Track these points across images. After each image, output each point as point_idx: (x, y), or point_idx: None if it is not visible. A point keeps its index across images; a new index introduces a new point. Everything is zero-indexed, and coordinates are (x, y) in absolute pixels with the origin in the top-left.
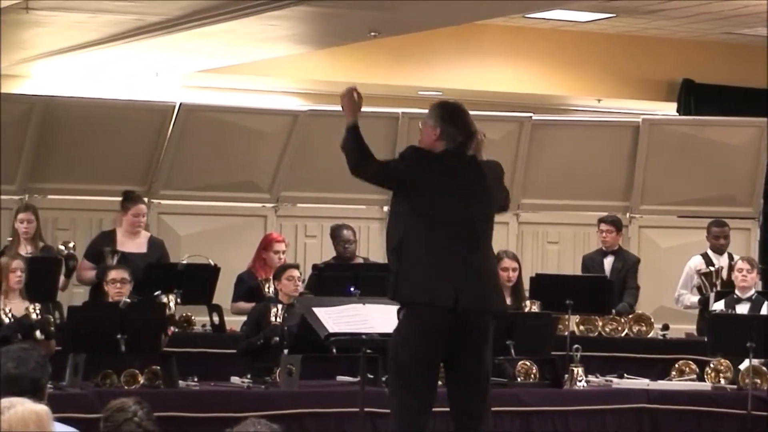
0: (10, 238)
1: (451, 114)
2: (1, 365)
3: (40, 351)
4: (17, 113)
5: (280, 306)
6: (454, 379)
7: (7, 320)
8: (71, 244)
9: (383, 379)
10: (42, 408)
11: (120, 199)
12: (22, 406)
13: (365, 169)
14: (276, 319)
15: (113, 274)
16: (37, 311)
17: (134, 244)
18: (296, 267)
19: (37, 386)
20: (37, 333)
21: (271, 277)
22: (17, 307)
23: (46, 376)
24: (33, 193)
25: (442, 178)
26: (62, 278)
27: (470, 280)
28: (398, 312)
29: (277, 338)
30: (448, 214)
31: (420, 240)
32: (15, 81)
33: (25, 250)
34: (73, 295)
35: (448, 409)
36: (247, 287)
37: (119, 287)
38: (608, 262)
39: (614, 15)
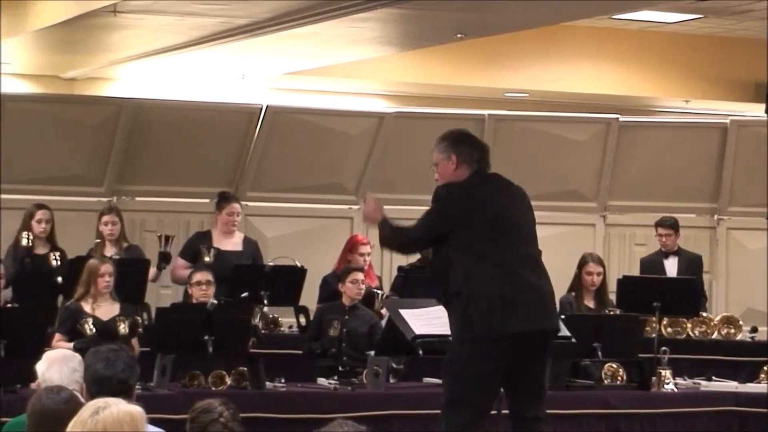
0: (98, 240)
1: (457, 137)
2: (91, 366)
3: (129, 352)
4: (105, 116)
5: (337, 320)
6: (516, 390)
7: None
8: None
9: None
10: (137, 409)
11: (207, 200)
12: (116, 407)
13: (410, 244)
14: (334, 332)
15: (198, 276)
16: (126, 315)
17: (230, 243)
18: (361, 270)
19: (125, 387)
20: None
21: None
22: (107, 309)
23: (135, 377)
24: (121, 195)
25: (484, 203)
26: (152, 270)
27: (536, 302)
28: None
29: (334, 350)
30: (502, 237)
31: (487, 272)
32: (103, 84)
33: (111, 251)
34: (161, 296)
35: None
36: (332, 289)
37: (204, 289)
38: (670, 263)
39: (702, 16)
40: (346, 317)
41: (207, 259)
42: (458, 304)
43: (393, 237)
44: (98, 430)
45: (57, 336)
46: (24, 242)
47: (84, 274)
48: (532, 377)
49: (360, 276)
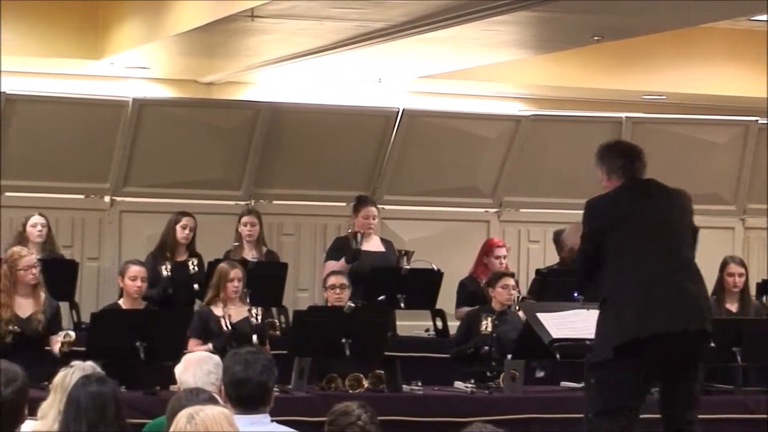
0: (236, 243)
1: (603, 149)
2: (229, 368)
3: (268, 355)
4: (243, 119)
5: (490, 318)
6: (668, 395)
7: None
8: None
9: None
10: (226, 410)
11: (344, 204)
12: (210, 409)
13: (578, 270)
14: (486, 329)
15: (332, 280)
16: (258, 316)
17: (371, 245)
18: (511, 275)
19: (263, 389)
20: (254, 337)
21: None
22: (238, 312)
23: (273, 380)
24: (259, 198)
25: (629, 209)
26: None
27: (682, 304)
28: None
29: (487, 347)
30: (649, 242)
31: (631, 277)
32: (241, 88)
33: (250, 254)
34: (298, 299)
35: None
36: (469, 292)
37: (338, 293)
38: None
39: None
40: (496, 322)
41: (350, 262)
42: (604, 309)
43: (579, 274)
44: (200, 431)
45: (192, 341)
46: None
47: (214, 277)
48: (683, 381)
49: (511, 281)
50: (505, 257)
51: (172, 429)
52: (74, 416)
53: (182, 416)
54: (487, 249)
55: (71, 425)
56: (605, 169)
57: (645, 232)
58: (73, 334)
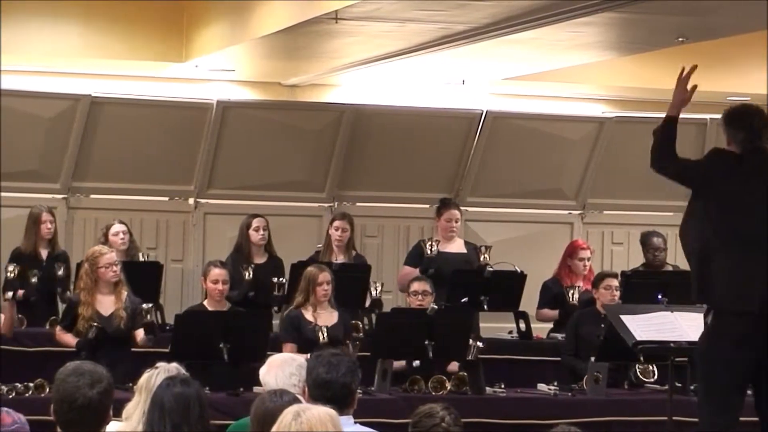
0: (319, 246)
1: (730, 116)
2: (313, 370)
3: (352, 357)
4: (327, 122)
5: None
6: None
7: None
8: None
9: (691, 387)
10: (332, 411)
11: (426, 206)
12: (316, 409)
13: (666, 167)
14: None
15: (415, 286)
16: (346, 322)
17: (452, 248)
18: (615, 276)
19: (347, 391)
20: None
21: (576, 285)
22: (326, 316)
23: (356, 382)
24: (342, 200)
25: (741, 181)
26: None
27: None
28: (705, 315)
29: None
30: (749, 217)
31: (723, 244)
32: (325, 90)
33: (337, 257)
34: (381, 301)
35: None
36: (553, 294)
37: (421, 299)
38: None
39: None
40: (602, 325)
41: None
42: (695, 262)
43: (663, 148)
44: (305, 430)
45: (287, 346)
46: (244, 252)
47: (302, 281)
48: None
49: (614, 282)
50: (588, 259)
51: (276, 425)
52: (159, 417)
53: (288, 413)
54: (571, 251)
55: (155, 426)
56: (727, 137)
57: (752, 204)
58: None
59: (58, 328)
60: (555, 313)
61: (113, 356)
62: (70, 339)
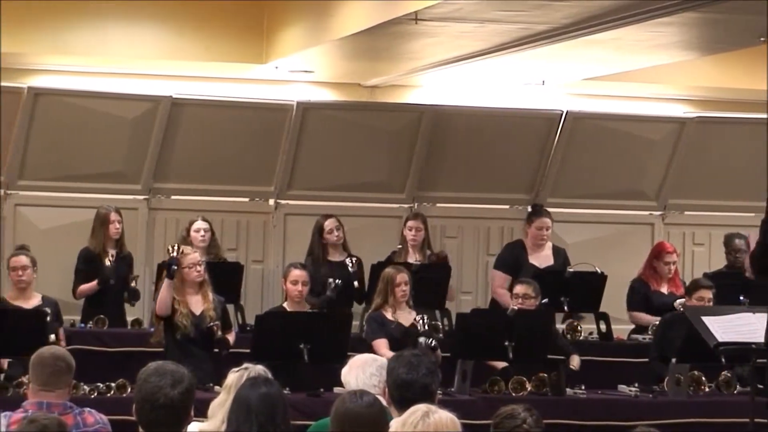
0: (400, 246)
1: None
2: (394, 371)
3: (432, 358)
4: (406, 122)
5: None
6: None
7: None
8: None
9: None
10: (455, 418)
11: (506, 207)
12: (443, 412)
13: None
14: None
15: (516, 289)
16: (425, 321)
17: (540, 257)
18: (710, 288)
19: (427, 392)
20: (421, 340)
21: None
22: (407, 317)
23: (437, 382)
24: (422, 201)
25: None
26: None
27: None
28: None
29: None
30: None
31: None
32: (404, 91)
33: (414, 257)
34: (461, 302)
35: None
36: (642, 295)
37: (521, 302)
38: None
39: None
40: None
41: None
42: None
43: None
44: (430, 431)
45: (378, 342)
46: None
47: (381, 283)
48: None
49: (708, 294)
50: (674, 263)
51: (401, 422)
52: (245, 418)
53: (417, 412)
54: (657, 253)
55: (242, 426)
56: None
57: None
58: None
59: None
60: (652, 318)
61: (199, 356)
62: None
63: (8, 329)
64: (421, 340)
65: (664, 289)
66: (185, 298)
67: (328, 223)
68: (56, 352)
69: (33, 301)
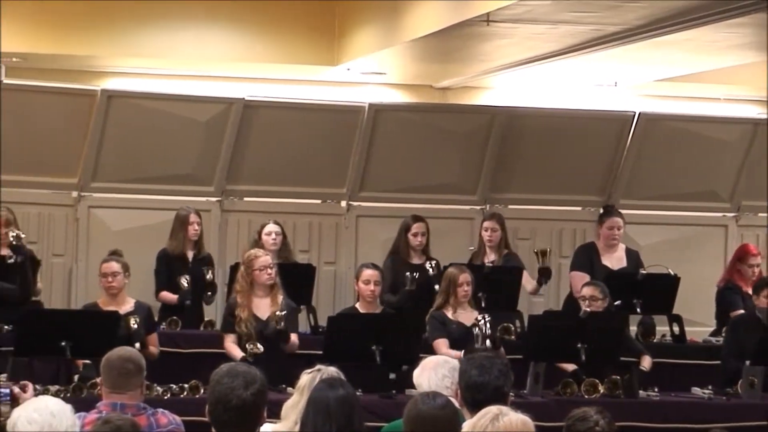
0: (471, 248)
1: None
2: (466, 372)
3: (503, 359)
4: (478, 124)
5: None
6: None
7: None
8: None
9: None
10: (528, 419)
11: (579, 209)
12: (514, 414)
13: None
14: None
15: (584, 291)
16: (486, 322)
17: (613, 259)
18: None
19: (499, 394)
20: (488, 342)
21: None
22: (467, 317)
23: (509, 384)
24: (494, 202)
25: None
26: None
27: None
28: None
29: None
30: None
31: None
32: (476, 92)
33: (490, 258)
34: (533, 304)
35: None
36: (739, 299)
37: (588, 304)
38: None
39: None
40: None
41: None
42: None
43: None
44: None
45: (439, 341)
46: (402, 254)
47: (443, 282)
48: None
49: None
50: (758, 266)
51: (471, 423)
52: (324, 419)
53: (488, 414)
54: (741, 255)
55: (321, 428)
56: None
57: None
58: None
59: (226, 339)
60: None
61: (269, 358)
62: (236, 352)
63: (83, 331)
64: None
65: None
66: (253, 301)
67: (416, 226)
68: (124, 354)
69: (125, 307)
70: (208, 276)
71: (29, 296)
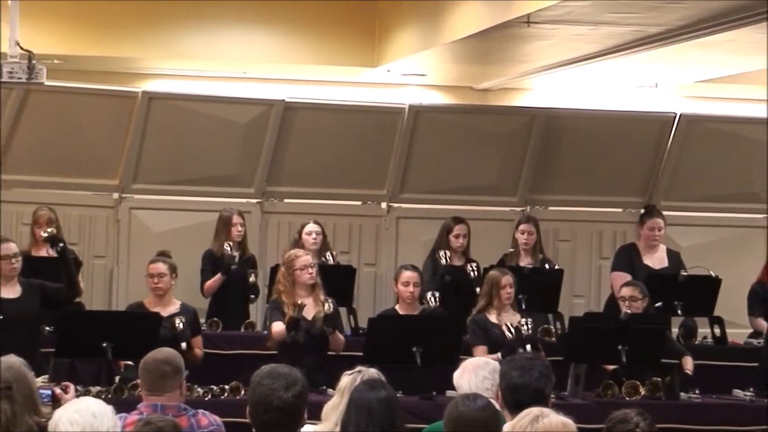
0: (512, 249)
1: None
2: (506, 374)
3: (544, 361)
4: (519, 125)
5: None
6: None
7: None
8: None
9: None
10: (570, 420)
11: (619, 210)
12: (555, 416)
13: None
14: None
15: (623, 291)
16: (529, 324)
17: (654, 259)
18: None
19: (540, 395)
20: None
21: None
22: (510, 319)
23: (550, 386)
24: (534, 204)
25: None
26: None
27: None
28: None
29: None
30: None
31: None
32: (517, 94)
33: (525, 261)
34: (574, 306)
35: None
36: (763, 299)
37: (628, 305)
38: None
39: None
40: None
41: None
42: None
43: None
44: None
45: (478, 348)
46: (442, 259)
47: (485, 285)
48: None
49: None
50: None
51: (511, 424)
52: (366, 420)
53: (528, 416)
54: None
55: (363, 429)
56: None
57: None
58: None
59: (273, 327)
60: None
61: (312, 359)
62: (280, 327)
63: (124, 332)
64: None
65: None
66: (295, 300)
67: (458, 228)
68: (159, 356)
69: (171, 308)
70: (251, 278)
71: (77, 292)
